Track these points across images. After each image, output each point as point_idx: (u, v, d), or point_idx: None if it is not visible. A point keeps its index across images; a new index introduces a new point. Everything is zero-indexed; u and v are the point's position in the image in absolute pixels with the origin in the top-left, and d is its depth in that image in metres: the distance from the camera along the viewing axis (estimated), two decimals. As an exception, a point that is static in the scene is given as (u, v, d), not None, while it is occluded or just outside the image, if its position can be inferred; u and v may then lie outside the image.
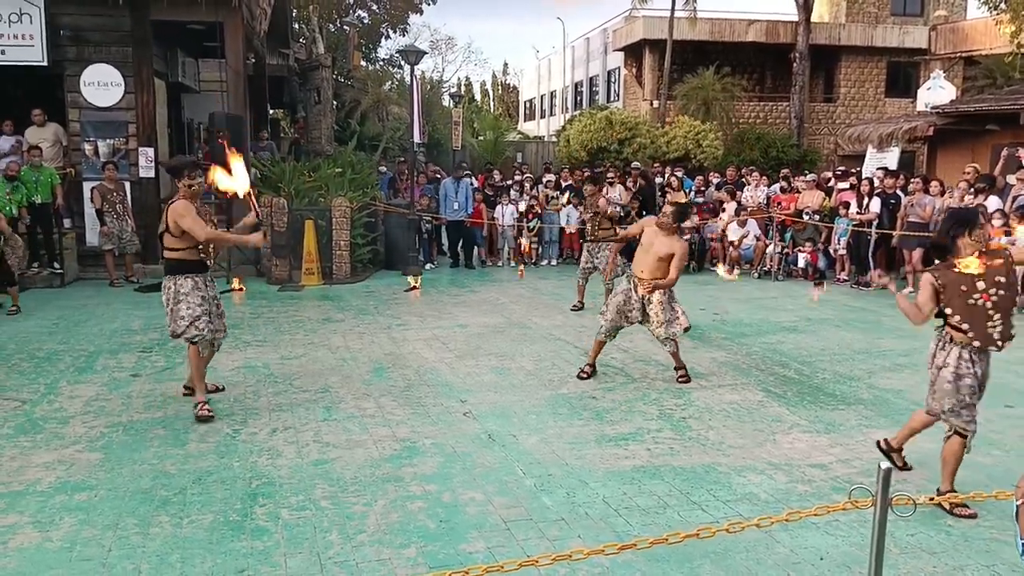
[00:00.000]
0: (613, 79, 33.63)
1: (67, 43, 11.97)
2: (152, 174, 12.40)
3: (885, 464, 2.83)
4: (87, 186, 11.87)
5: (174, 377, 6.57)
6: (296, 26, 20.39)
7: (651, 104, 26.89)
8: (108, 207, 11.37)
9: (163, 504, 4.25)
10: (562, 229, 14.46)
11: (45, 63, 11.79)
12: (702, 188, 15.00)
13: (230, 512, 4.18)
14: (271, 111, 21.36)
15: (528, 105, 50.57)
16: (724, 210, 13.80)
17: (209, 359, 6.00)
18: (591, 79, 36.79)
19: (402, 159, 16.50)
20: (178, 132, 16.21)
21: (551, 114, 43.50)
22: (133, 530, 3.96)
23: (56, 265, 11.24)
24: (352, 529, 4.01)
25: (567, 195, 14.18)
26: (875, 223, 11.97)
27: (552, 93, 43.93)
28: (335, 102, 18.66)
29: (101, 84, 12.09)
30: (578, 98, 38.27)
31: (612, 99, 32.57)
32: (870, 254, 12.06)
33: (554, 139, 29.65)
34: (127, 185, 11.98)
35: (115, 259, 11.50)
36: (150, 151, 12.32)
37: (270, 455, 4.98)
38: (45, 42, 11.69)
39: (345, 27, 27.34)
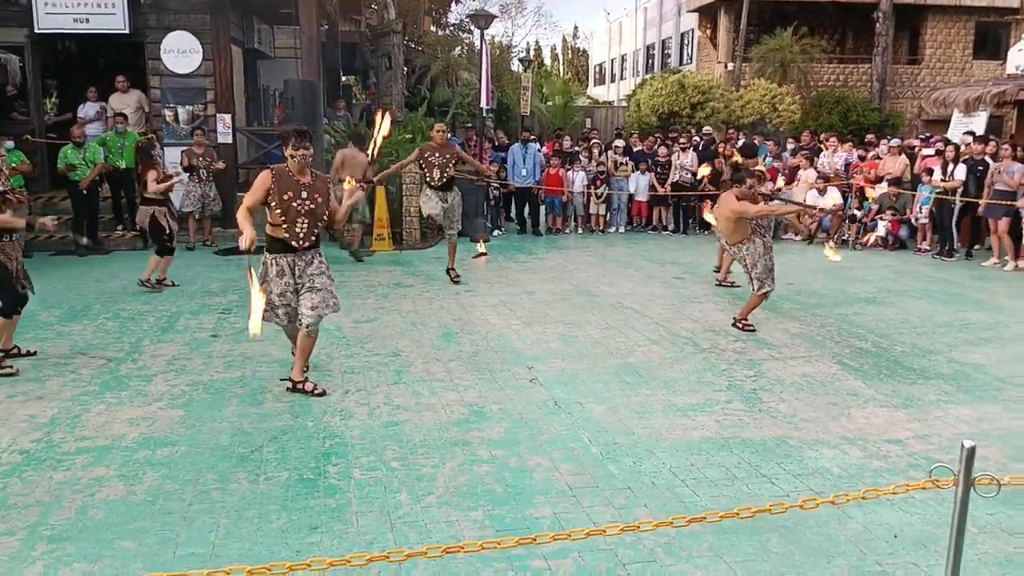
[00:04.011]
0: (686, 41, 32.83)
1: (148, 11, 12.28)
2: (230, 140, 12.68)
3: (968, 442, 2.74)
4: (169, 152, 12.21)
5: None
6: (367, -9, 20.41)
7: (725, 67, 26.20)
8: (193, 171, 11.72)
9: (241, 461, 4.40)
10: (631, 196, 14.27)
11: (127, 31, 12.12)
12: (777, 154, 14.61)
13: (304, 470, 4.30)
14: (344, 77, 21.52)
15: (598, 69, 49.80)
16: (800, 178, 13.41)
17: (308, 343, 5.52)
18: (663, 42, 35.95)
19: (470, 125, 16.47)
20: (255, 98, 16.51)
21: (621, 78, 42.75)
22: (212, 485, 4.11)
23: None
24: (421, 490, 4.08)
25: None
26: (959, 191, 11.47)
27: (623, 56, 43.10)
28: (405, 68, 18.66)
29: (180, 51, 12.38)
30: (650, 61, 37.49)
31: (685, 62, 31.83)
32: (954, 223, 11.59)
33: (624, 104, 29.18)
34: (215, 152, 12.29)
35: (196, 223, 11.87)
36: (228, 117, 12.60)
37: (342, 416, 5.10)
38: (127, 10, 12.01)
39: (415, -9, 27.28)
